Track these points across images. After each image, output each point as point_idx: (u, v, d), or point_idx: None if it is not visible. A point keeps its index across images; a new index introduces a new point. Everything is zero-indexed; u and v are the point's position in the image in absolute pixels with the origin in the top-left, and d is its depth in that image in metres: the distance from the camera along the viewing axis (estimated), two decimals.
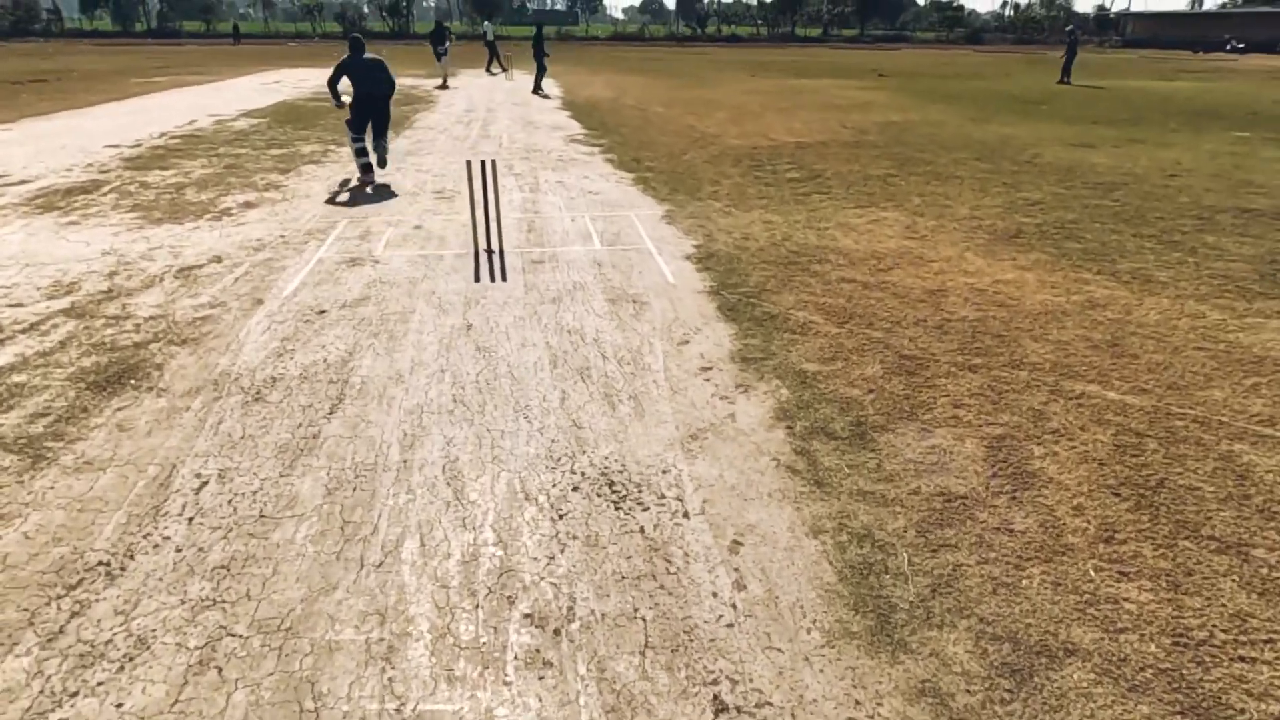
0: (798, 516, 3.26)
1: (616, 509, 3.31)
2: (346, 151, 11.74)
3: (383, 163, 10.24)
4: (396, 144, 12.77)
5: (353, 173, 10.25)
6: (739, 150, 12.46)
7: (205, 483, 3.46)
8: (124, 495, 3.35)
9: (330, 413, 4.08)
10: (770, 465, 3.63)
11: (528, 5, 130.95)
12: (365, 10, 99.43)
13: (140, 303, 5.60)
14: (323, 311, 5.50)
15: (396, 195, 9.19)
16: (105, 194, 9.01)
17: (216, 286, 5.96)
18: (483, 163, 6.79)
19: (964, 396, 4.30)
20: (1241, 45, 71.83)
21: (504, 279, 6.26)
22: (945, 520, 3.23)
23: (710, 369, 4.65)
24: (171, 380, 4.42)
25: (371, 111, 9.84)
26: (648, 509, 3.31)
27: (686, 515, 3.27)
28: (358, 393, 4.31)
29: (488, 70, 28.63)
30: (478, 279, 6.24)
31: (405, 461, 3.64)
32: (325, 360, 4.70)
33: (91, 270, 6.29)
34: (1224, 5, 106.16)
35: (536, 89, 22.79)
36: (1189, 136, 14.62)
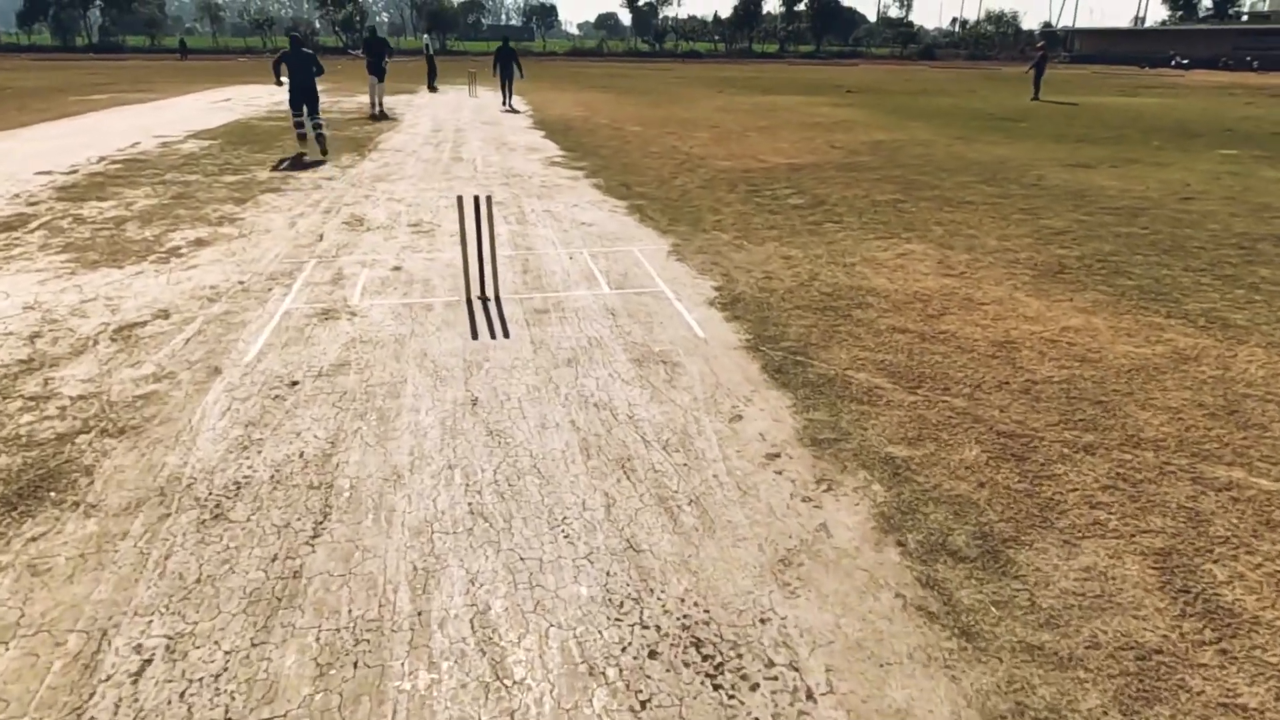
0: (958, 692, 2.44)
1: (715, 688, 2.46)
2: (309, 178, 10.75)
3: (323, 149, 12.90)
4: (363, 167, 11.79)
5: (318, 201, 9.29)
6: (731, 174, 11.73)
7: (148, 662, 2.53)
8: (30, 691, 2.39)
9: (314, 536, 3.16)
10: (895, 605, 2.81)
11: (482, 21, 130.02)
12: (317, 25, 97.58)
13: (67, 376, 4.60)
14: (295, 383, 4.56)
15: (369, 229, 8.24)
16: (33, 231, 7.91)
17: (163, 351, 4.98)
18: (475, 198, 5.91)
19: (1095, 491, 3.53)
20: (1186, 61, 73.96)
21: (506, 334, 5.37)
22: (1150, 693, 2.44)
23: (777, 456, 3.83)
24: (104, 490, 3.46)
25: (304, 95, 12.70)
26: (756, 686, 2.47)
27: (811, 697, 2.43)
28: (347, 503, 3.39)
29: (429, 87, 27.52)
30: (475, 335, 5.35)
31: (419, 615, 2.75)
32: (302, 454, 3.78)
33: (8, 331, 5.26)
34: (1164, 22, 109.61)
35: (506, 105, 22.35)
36: (1179, 155, 14.30)
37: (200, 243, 7.56)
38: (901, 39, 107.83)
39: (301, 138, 13.11)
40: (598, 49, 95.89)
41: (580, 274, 6.79)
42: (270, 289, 6.25)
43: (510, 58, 22.16)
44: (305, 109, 12.86)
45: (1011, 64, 74.63)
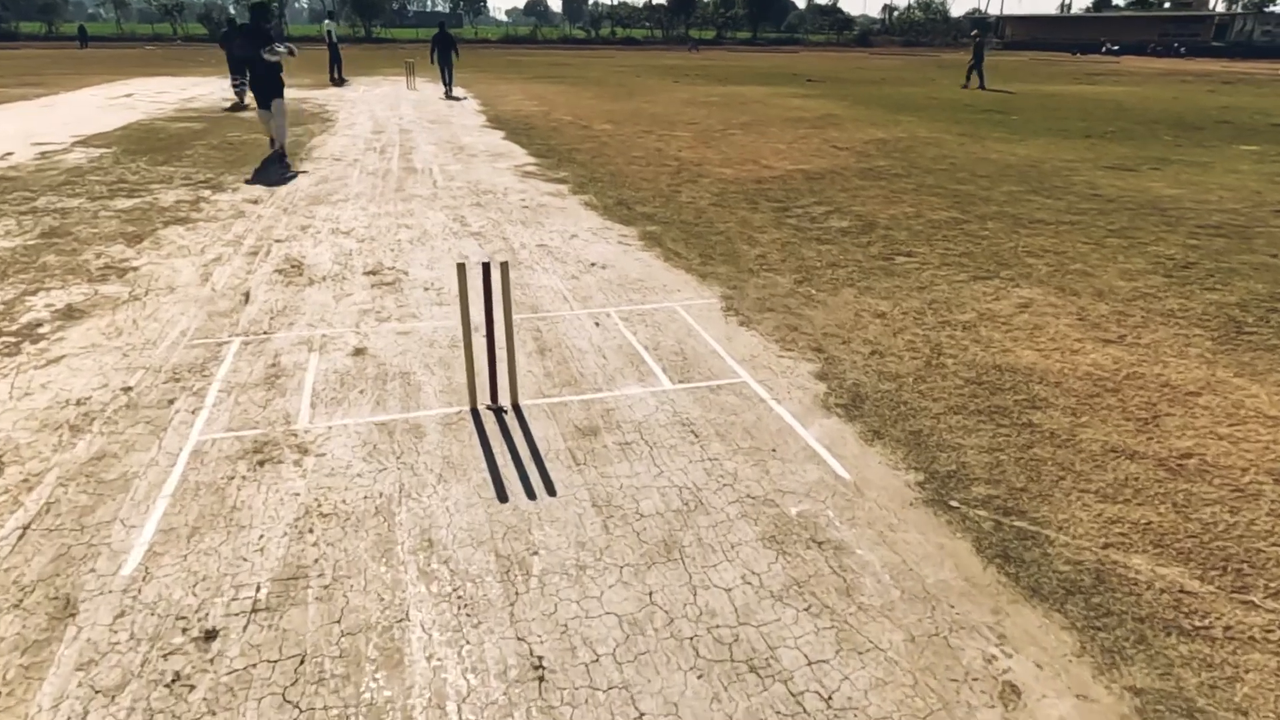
0: None
1: None
2: (228, 201, 8.52)
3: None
4: (296, 183, 9.55)
5: (240, 236, 7.12)
6: (741, 185, 9.89)
7: None
8: None
9: None
10: None
11: (408, 8, 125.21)
12: (232, 11, 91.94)
13: None
14: (210, 636, 2.55)
15: (312, 280, 6.14)
16: None
17: None
18: (485, 269, 3.93)
19: None
20: (1116, 48, 75.18)
21: (550, 489, 3.43)
22: None
23: None
24: None
25: (259, 84, 11.02)
26: None
27: None
28: None
29: (331, 79, 24.72)
30: (503, 494, 3.39)
31: None
32: None
33: None
34: (1088, 10, 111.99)
35: (449, 94, 21.54)
36: (1205, 153, 13.09)
37: (71, 314, 5.36)
38: (838, 26, 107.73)
39: (239, 93, 12.68)
40: (531, 36, 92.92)
41: (619, 353, 4.86)
42: (171, 401, 4.16)
43: (449, 44, 21.76)
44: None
45: (948, 50, 74.70)
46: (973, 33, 29.30)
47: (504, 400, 4.22)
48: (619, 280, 6.27)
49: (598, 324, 5.36)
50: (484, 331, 4.21)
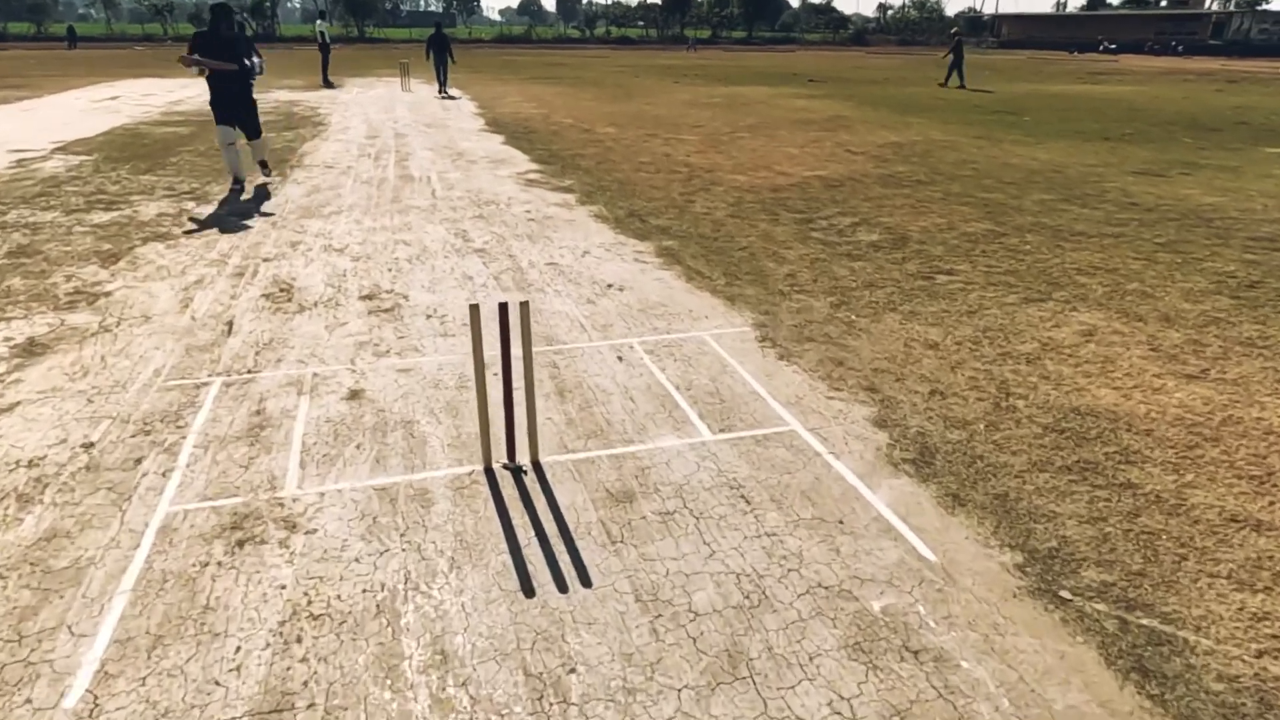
0: None
1: None
2: (214, 215, 7.93)
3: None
4: (286, 193, 8.98)
5: (225, 255, 6.57)
6: (757, 193, 9.36)
7: None
8: None
9: None
10: None
11: (400, 7, 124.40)
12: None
13: None
14: None
15: (302, 306, 5.58)
16: None
17: None
18: (503, 310, 3.37)
19: None
20: (1113, 46, 74.89)
21: (584, 579, 2.88)
22: None
23: None
24: None
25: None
26: None
27: None
28: None
29: (324, 82, 24.06)
30: (528, 588, 2.84)
31: None
32: None
33: None
34: (1083, 8, 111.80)
35: (442, 92, 21.63)
36: (1231, 156, 12.63)
37: (32, 349, 4.79)
38: (833, 25, 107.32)
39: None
40: (525, 36, 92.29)
41: (649, 395, 4.32)
42: (139, 461, 3.60)
43: (444, 45, 21.79)
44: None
45: (945, 49, 74.28)
46: (952, 30, 28.69)
47: (523, 457, 3.67)
48: (639, 304, 5.72)
49: (620, 358, 4.81)
50: (495, 370, 3.65)
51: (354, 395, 4.29)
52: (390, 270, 6.43)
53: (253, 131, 9.39)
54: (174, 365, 4.62)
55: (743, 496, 3.41)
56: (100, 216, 7.95)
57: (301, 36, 53.79)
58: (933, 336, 5.18)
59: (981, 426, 4.02)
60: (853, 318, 5.50)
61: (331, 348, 4.90)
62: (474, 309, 3.28)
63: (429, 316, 5.43)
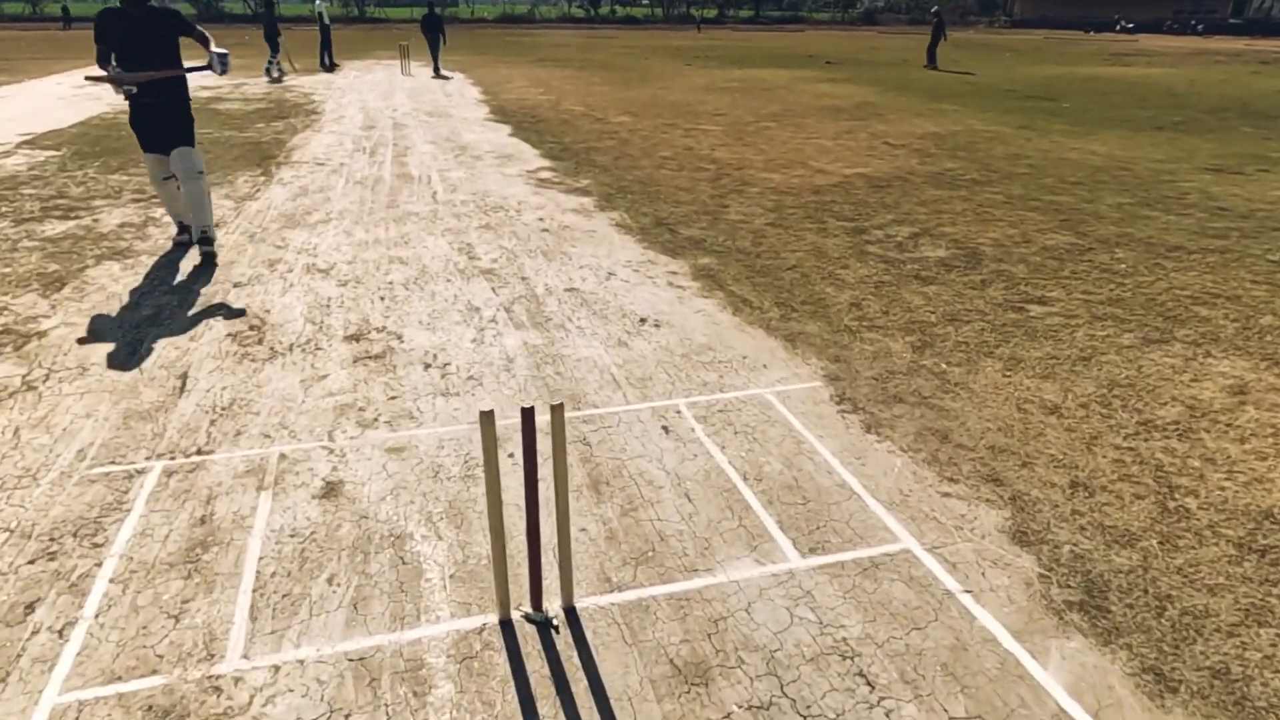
0: None
1: None
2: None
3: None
4: (269, 197, 7.97)
5: (191, 279, 5.59)
6: (797, 196, 8.33)
7: None
8: None
9: None
10: None
11: None
12: None
13: None
14: None
15: (275, 350, 4.59)
16: None
17: None
18: (529, 416, 2.37)
19: None
20: (1131, 25, 73.12)
21: None
22: None
23: None
24: None
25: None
26: None
27: None
28: None
29: (321, 64, 22.92)
30: None
31: None
32: None
33: None
34: None
35: (436, 73, 21.57)
36: None
37: None
38: (842, 4, 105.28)
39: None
40: (529, 15, 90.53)
41: (709, 489, 3.34)
42: (31, 607, 2.63)
43: (437, 27, 22.03)
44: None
45: (957, 29, 72.58)
46: (933, 10, 27.26)
47: (552, 599, 2.69)
48: (681, 347, 4.71)
49: (667, 429, 3.82)
50: (512, 451, 2.68)
51: (330, 491, 3.31)
52: (383, 299, 5.43)
53: (186, 140, 6.12)
54: (105, 442, 3.64)
55: (861, 674, 2.43)
56: (54, 227, 6.95)
57: (301, 16, 52.22)
58: (1049, 396, 4.17)
59: (1154, 543, 3.03)
60: (944, 366, 4.49)
61: (306, 413, 3.92)
62: (486, 418, 2.29)
63: (427, 366, 4.44)
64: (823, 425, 3.87)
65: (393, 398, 4.10)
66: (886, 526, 3.12)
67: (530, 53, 32.01)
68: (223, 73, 6.25)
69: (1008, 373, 4.44)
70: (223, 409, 3.96)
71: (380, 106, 15.21)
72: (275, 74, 19.76)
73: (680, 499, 3.29)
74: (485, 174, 9.35)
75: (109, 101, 14.99)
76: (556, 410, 2.36)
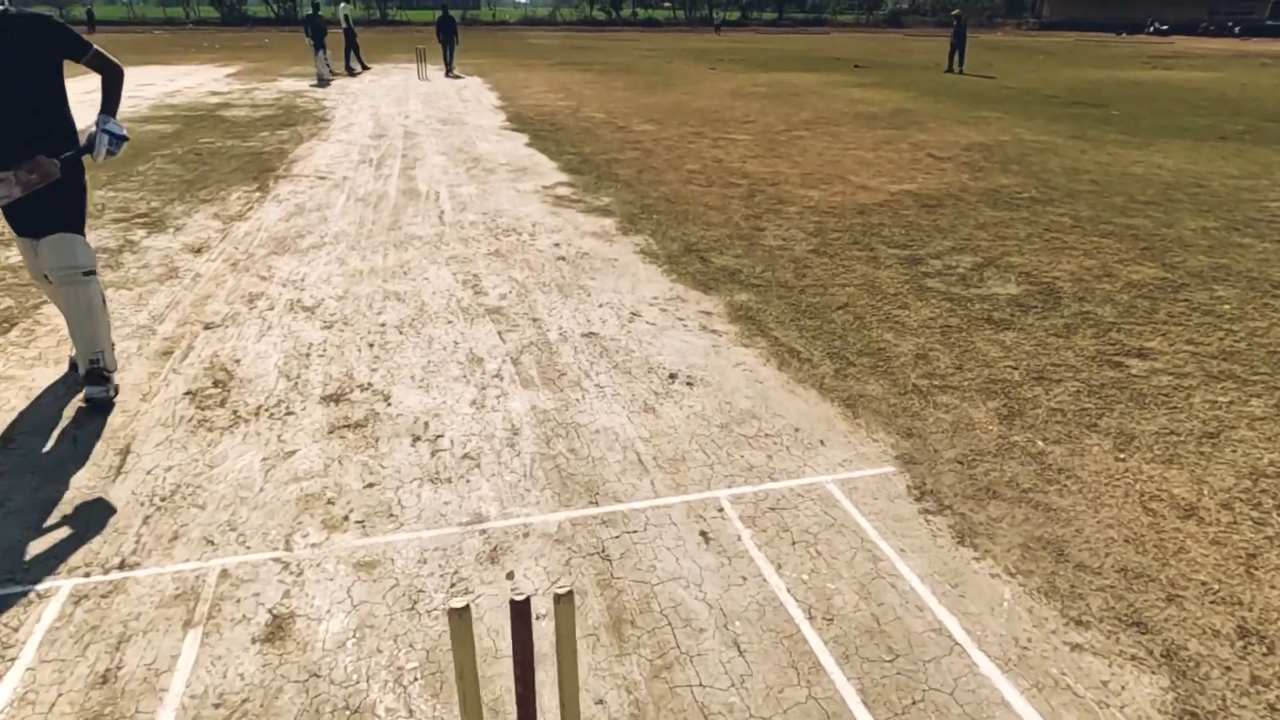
0: None
1: None
2: (161, 249, 6.27)
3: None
4: (261, 216, 7.27)
5: (157, 318, 4.89)
6: (840, 217, 7.53)
7: None
8: None
9: None
10: None
11: None
12: None
13: None
14: None
15: (235, 418, 3.85)
16: None
17: None
18: (521, 609, 1.57)
19: None
20: (1165, 27, 71.39)
21: None
22: None
23: None
24: None
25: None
26: None
27: None
28: None
29: (346, 68, 22.45)
30: None
31: None
32: None
33: None
34: None
35: (449, 72, 22.26)
36: None
37: None
38: (866, 6, 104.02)
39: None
40: (550, 18, 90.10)
41: (762, 630, 2.60)
42: None
43: (451, 28, 22.87)
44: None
45: (983, 31, 71.21)
46: (954, 11, 26.20)
47: None
48: (720, 414, 3.93)
49: (706, 536, 3.03)
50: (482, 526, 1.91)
51: (275, 630, 2.55)
52: (372, 346, 4.69)
53: (64, 255, 3.80)
54: (10, 547, 2.91)
55: None
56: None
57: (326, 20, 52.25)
58: (1180, 490, 3.34)
59: None
60: (1040, 444, 3.68)
61: (262, 507, 3.17)
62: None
63: (416, 439, 3.69)
64: (903, 532, 3.06)
65: (370, 485, 3.35)
66: (1006, 702, 2.32)
67: (551, 55, 31.36)
68: (107, 158, 3.85)
69: (1120, 454, 3.62)
70: (162, 500, 3.23)
71: (393, 113, 14.55)
72: (329, 74, 19.51)
73: (728, 649, 2.51)
74: (498, 190, 8.62)
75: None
76: (563, 604, 1.58)
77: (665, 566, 2.88)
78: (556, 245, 6.69)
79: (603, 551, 2.96)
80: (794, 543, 3.02)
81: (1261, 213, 7.85)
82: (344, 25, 22.71)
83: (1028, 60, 31.11)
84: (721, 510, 3.21)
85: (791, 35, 59.37)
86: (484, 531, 3.06)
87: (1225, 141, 12.24)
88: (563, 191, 8.61)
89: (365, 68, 22.78)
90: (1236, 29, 67.33)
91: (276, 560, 2.90)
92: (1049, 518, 3.18)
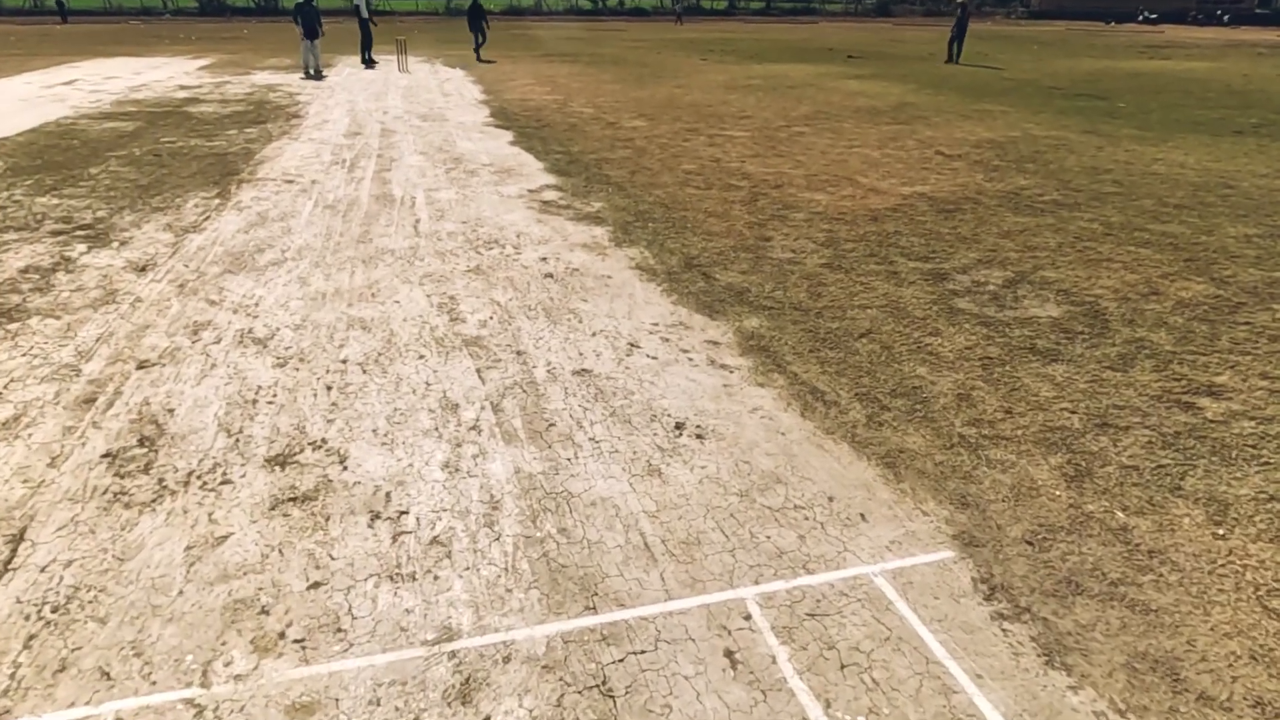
0: None
1: None
2: (101, 267, 5.58)
3: None
4: (218, 227, 6.58)
5: (82, 354, 4.22)
6: (853, 225, 6.91)
7: None
8: None
9: None
10: None
11: None
12: None
13: None
14: None
15: (160, 489, 3.19)
16: None
17: None
18: None
19: None
20: (1154, 16, 70.95)
21: None
22: None
23: None
24: None
25: None
26: None
27: None
28: None
29: (363, 61, 21.74)
30: None
31: None
32: None
33: None
34: None
35: (478, 56, 22.77)
36: None
37: None
38: None
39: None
40: (535, 8, 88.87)
41: None
42: None
43: (480, 15, 22.97)
44: None
45: (972, 20, 70.45)
46: (959, 0, 25.69)
47: None
48: (738, 479, 3.30)
49: (732, 657, 2.42)
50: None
51: None
52: (330, 389, 4.03)
53: None
54: None
55: None
56: None
57: (337, 9, 49.94)
58: None
59: None
60: (1120, 516, 3.07)
61: (179, 620, 2.53)
62: None
63: (375, 517, 3.04)
64: (977, 649, 2.45)
65: (315, 585, 2.71)
66: None
67: (536, 47, 30.52)
68: None
69: (1217, 529, 3.02)
70: (53, 612, 2.58)
71: (370, 109, 13.81)
72: (317, 67, 18.67)
73: None
74: (479, 194, 7.94)
75: (74, 104, 13.64)
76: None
77: (683, 706, 2.26)
78: (544, 260, 6.04)
79: (604, 684, 2.34)
80: (843, 667, 2.40)
81: None
82: (363, 16, 21.80)
83: (1022, 50, 30.54)
84: (749, 618, 2.59)
85: (781, 24, 58.50)
86: (454, 655, 2.43)
87: (1243, 136, 11.69)
88: (550, 196, 7.94)
89: (373, 62, 21.70)
90: (1225, 17, 66.95)
91: (188, 703, 2.26)
92: (1150, 624, 2.57)
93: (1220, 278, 5.72)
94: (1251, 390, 4.11)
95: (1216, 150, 10.49)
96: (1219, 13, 68.89)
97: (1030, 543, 2.95)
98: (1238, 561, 2.87)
